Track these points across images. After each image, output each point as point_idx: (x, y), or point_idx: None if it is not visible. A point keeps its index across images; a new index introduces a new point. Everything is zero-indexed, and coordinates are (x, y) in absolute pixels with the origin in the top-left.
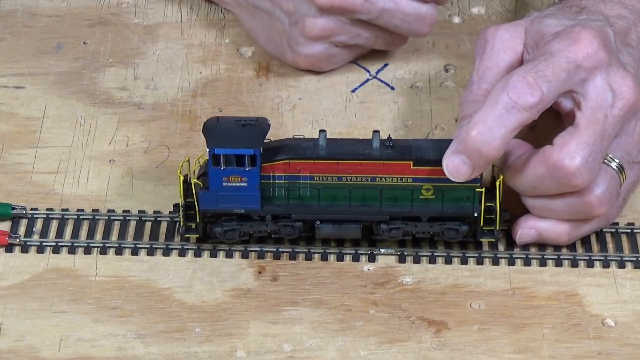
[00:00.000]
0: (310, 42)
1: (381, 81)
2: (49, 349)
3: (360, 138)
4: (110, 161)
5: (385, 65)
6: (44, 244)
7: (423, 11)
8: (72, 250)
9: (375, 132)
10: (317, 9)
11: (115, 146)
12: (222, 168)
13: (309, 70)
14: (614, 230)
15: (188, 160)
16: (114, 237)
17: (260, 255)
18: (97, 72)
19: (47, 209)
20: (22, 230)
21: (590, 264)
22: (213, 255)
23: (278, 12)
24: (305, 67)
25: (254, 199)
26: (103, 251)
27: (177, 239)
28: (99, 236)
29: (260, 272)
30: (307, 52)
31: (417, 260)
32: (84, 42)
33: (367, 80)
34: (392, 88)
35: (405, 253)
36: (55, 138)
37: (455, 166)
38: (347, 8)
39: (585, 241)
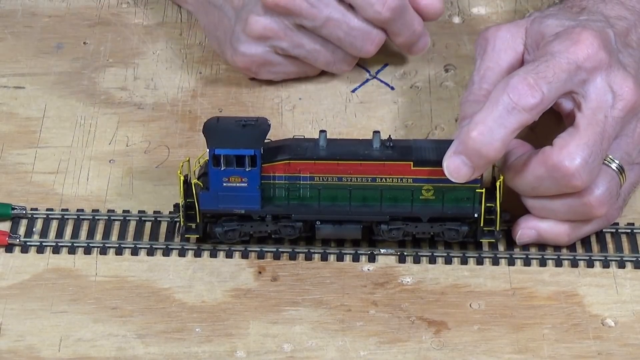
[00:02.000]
0: (250, 41)
1: (381, 81)
2: (49, 349)
3: (361, 138)
4: (110, 161)
5: (385, 65)
6: (44, 244)
7: (370, 29)
8: (72, 250)
9: (376, 132)
10: (262, 7)
11: (115, 146)
12: (222, 168)
13: (246, 74)
14: (614, 230)
15: (188, 161)
16: (114, 237)
17: (260, 256)
18: (97, 72)
19: (47, 209)
20: (22, 230)
21: (590, 264)
22: (213, 255)
23: (227, 8)
24: (242, 68)
25: (254, 200)
26: (103, 251)
27: (177, 239)
28: (99, 236)
29: (260, 272)
30: (246, 50)
31: (417, 261)
32: (84, 42)
33: (367, 80)
34: (392, 88)
35: (405, 253)
36: (55, 138)
37: (455, 167)
38: (291, 10)
39: (585, 241)
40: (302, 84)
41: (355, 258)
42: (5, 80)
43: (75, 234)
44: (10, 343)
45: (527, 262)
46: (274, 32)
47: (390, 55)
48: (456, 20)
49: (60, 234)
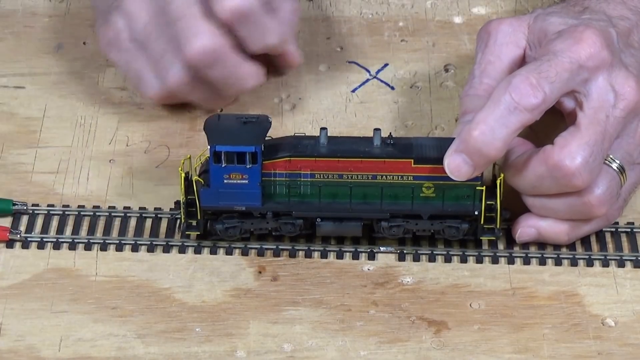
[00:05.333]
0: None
1: (381, 81)
2: (49, 349)
3: (362, 136)
4: (110, 161)
5: (385, 65)
6: (44, 240)
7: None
8: (72, 246)
9: (377, 130)
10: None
11: (115, 146)
12: (223, 165)
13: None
14: (613, 229)
15: (189, 158)
16: (114, 233)
17: (260, 253)
18: (97, 72)
19: (48, 205)
20: (23, 226)
21: (589, 263)
22: (213, 252)
23: None
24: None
25: (255, 196)
26: (103, 247)
27: (177, 236)
28: (99, 233)
29: (260, 272)
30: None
31: (416, 259)
32: (84, 42)
33: (367, 80)
34: (392, 88)
35: (405, 251)
36: (55, 138)
37: (456, 165)
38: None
39: (585, 240)
40: (302, 84)
41: (355, 256)
42: (5, 80)
43: (76, 231)
44: (11, 343)
45: (526, 261)
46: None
47: (390, 55)
48: (456, 20)
49: (61, 230)
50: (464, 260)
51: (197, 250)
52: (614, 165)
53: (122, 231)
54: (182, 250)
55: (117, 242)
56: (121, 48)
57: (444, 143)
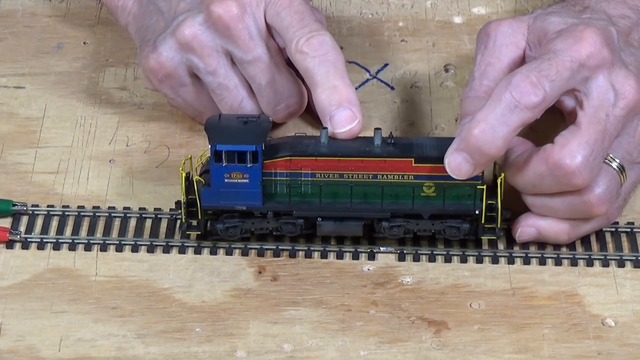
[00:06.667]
0: (173, 45)
1: (381, 81)
2: (49, 349)
3: (362, 135)
4: (110, 161)
5: (385, 65)
6: (44, 240)
7: (294, 91)
8: (72, 247)
9: (377, 129)
10: (204, 18)
11: (115, 146)
12: (223, 164)
13: (148, 81)
14: (613, 229)
15: (190, 158)
16: (114, 234)
17: (260, 253)
18: (97, 72)
19: (48, 206)
20: (22, 227)
21: (589, 263)
22: (213, 252)
23: (168, 14)
24: (150, 69)
25: (256, 196)
26: (103, 248)
27: (177, 236)
28: (99, 233)
29: (260, 272)
30: (163, 52)
31: (416, 259)
32: (84, 42)
33: (367, 80)
34: (392, 88)
35: (405, 251)
36: (55, 138)
37: (457, 164)
38: (231, 30)
39: (585, 240)
40: None
41: (355, 256)
42: (5, 80)
43: (75, 231)
44: (11, 343)
45: (526, 261)
46: (201, 45)
47: (390, 55)
48: (456, 20)
49: (61, 230)
50: (464, 260)
51: (197, 251)
52: (614, 165)
53: (122, 231)
54: (182, 250)
55: (117, 242)
56: (180, 83)
57: (445, 142)
